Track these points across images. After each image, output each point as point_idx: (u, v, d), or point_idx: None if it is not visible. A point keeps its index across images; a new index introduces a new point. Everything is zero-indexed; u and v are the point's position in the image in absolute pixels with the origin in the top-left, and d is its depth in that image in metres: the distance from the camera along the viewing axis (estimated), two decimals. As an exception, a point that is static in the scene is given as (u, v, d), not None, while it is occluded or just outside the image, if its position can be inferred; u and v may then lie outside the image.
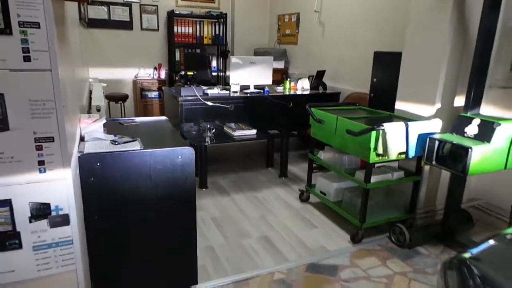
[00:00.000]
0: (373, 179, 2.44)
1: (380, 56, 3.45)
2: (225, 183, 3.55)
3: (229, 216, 2.86)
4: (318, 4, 4.86)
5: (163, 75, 5.74)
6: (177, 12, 5.49)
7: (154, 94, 5.63)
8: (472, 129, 2.16)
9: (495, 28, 2.19)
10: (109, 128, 1.93)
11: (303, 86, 4.45)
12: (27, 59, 1.03)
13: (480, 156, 2.02)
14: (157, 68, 5.70)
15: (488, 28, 2.16)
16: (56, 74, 1.08)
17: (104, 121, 1.93)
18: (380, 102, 3.34)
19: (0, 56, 1.00)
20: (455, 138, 2.16)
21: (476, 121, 2.16)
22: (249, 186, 3.47)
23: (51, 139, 1.13)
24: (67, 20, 1.84)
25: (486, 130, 2.09)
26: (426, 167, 2.62)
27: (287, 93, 4.26)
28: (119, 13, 5.34)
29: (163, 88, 4.92)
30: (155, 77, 5.68)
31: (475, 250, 1.03)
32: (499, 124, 2.04)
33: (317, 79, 4.50)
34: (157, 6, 5.56)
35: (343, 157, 2.77)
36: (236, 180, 3.63)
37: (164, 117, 2.39)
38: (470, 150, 1.98)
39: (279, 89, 4.38)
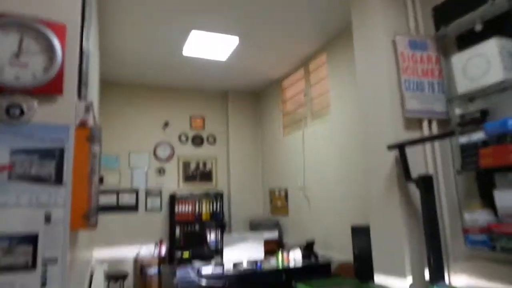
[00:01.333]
0: None
1: (356, 229, 3.80)
2: None
3: None
4: (302, 181, 5.53)
5: (163, 251, 5.99)
6: (179, 195, 6.16)
7: (154, 270, 5.75)
8: (440, 304, 2.31)
9: (435, 210, 2.60)
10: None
11: (295, 258, 4.65)
12: (43, 285, 1.36)
13: (452, 333, 2.12)
14: (159, 244, 6.01)
15: (429, 210, 2.57)
16: (63, 297, 1.38)
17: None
18: (364, 271, 3.50)
19: (25, 287, 1.33)
20: (427, 315, 2.28)
21: (443, 296, 2.33)
22: None
23: None
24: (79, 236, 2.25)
25: (453, 305, 2.24)
26: None
27: (280, 266, 4.43)
28: (127, 198, 6.00)
29: (161, 266, 5.11)
30: (155, 254, 5.93)
31: None
32: (462, 299, 2.21)
33: (308, 249, 4.74)
34: (161, 190, 6.27)
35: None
36: None
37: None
38: (439, 328, 2.10)
39: (273, 261, 4.57)
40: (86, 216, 1.42)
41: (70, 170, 1.40)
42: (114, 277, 5.19)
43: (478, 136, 2.34)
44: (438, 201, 2.73)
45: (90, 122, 1.61)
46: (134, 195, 6.07)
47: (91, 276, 4.08)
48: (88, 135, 1.49)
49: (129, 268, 5.80)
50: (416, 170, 2.76)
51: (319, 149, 5.25)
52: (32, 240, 1.36)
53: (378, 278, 3.03)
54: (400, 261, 2.80)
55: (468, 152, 2.32)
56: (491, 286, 2.46)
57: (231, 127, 6.93)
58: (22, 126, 1.36)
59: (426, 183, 2.58)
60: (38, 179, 1.35)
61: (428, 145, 2.84)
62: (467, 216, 2.44)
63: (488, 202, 2.39)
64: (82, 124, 1.50)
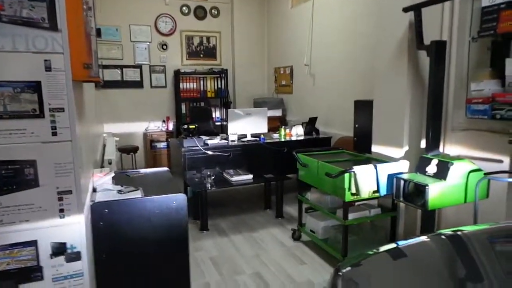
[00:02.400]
0: (351, 216, 2.72)
1: (359, 104, 3.83)
2: (225, 225, 3.83)
3: (226, 256, 3.13)
4: (308, 58, 5.38)
5: (171, 127, 6.23)
6: (183, 71, 6.08)
7: (162, 144, 6.09)
8: (431, 168, 2.46)
9: (443, 79, 2.56)
10: (117, 179, 2.30)
11: (297, 133, 4.83)
12: (54, 134, 1.42)
13: (438, 192, 2.30)
14: (166, 121, 6.21)
15: (436, 79, 2.53)
16: (75, 143, 1.46)
17: (113, 174, 2.30)
18: (363, 144, 3.67)
19: (36, 133, 1.40)
20: (417, 177, 2.45)
21: (435, 161, 2.46)
22: (247, 227, 3.75)
23: (69, 192, 1.49)
24: (85, 93, 2.28)
25: (443, 169, 2.38)
26: (402, 204, 2.88)
27: (282, 139, 4.63)
28: (131, 74, 5.96)
29: (169, 139, 5.37)
30: (163, 129, 6.18)
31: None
32: (452, 164, 2.34)
33: (310, 125, 4.88)
34: (164, 66, 6.18)
35: (327, 197, 3.06)
36: (235, 222, 3.91)
37: (165, 168, 2.76)
38: (427, 187, 2.27)
39: (275, 136, 4.76)
40: (87, 65, 1.40)
41: (63, 16, 1.33)
42: (126, 150, 5.50)
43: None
44: (447, 70, 2.66)
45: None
46: (138, 71, 6.02)
47: (104, 146, 4.32)
48: (78, -22, 1.37)
49: (139, 143, 6.11)
50: (430, 37, 2.62)
51: (328, 23, 4.96)
52: (35, 88, 1.37)
53: (375, 148, 3.17)
54: (399, 131, 2.89)
55: (489, 16, 2.16)
56: (482, 155, 2.58)
57: (235, -2, 6.46)
58: (4, -37, 1.24)
59: (438, 50, 2.48)
60: (31, 24, 1.29)
61: (446, 9, 2.64)
62: (473, 85, 2.41)
63: (497, 73, 2.33)
64: (70, -34, 1.36)
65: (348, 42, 4.59)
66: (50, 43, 1.34)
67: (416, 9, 2.57)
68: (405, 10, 2.63)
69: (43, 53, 1.34)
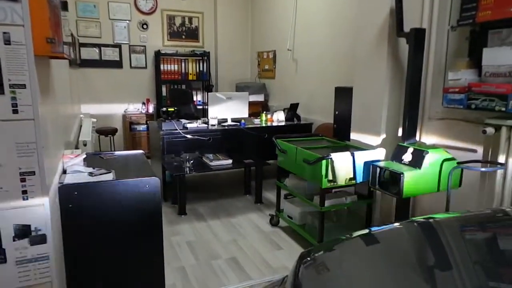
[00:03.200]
0: (328, 202, 2.73)
1: (339, 90, 3.82)
2: (203, 210, 3.81)
3: (203, 240, 3.11)
4: (291, 43, 5.32)
5: (151, 109, 6.10)
6: (164, 52, 5.93)
7: (142, 127, 5.97)
8: (407, 156, 2.48)
9: (421, 68, 2.57)
10: (90, 161, 2.23)
11: (278, 118, 4.80)
12: (15, 112, 1.35)
13: (412, 180, 2.33)
14: (146, 103, 6.08)
15: (414, 67, 2.53)
16: (38, 122, 1.39)
17: (84, 155, 2.23)
18: (342, 132, 3.67)
19: (-6, 110, 1.32)
20: (393, 165, 2.47)
21: (410, 150, 2.48)
22: (225, 212, 3.74)
23: (32, 173, 1.42)
24: (55, 70, 2.18)
25: (418, 158, 2.40)
26: (378, 191, 2.92)
27: (263, 125, 4.60)
28: (110, 54, 5.77)
29: (148, 122, 5.26)
30: (143, 111, 6.05)
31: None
32: (428, 152, 2.36)
33: (292, 111, 4.86)
34: (145, 46, 6.01)
35: (305, 184, 3.07)
36: (214, 207, 3.90)
37: (140, 151, 2.69)
38: (402, 175, 2.29)
39: (257, 121, 4.72)
40: (50, 40, 1.32)
41: (23, -16, 1.24)
42: (104, 132, 5.37)
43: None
44: (426, 59, 2.67)
45: None
46: (118, 51, 5.83)
47: (81, 127, 4.20)
48: None
49: (118, 125, 5.97)
50: (410, 24, 2.61)
51: (311, 7, 4.90)
52: (-6, 62, 1.29)
53: (354, 135, 3.18)
54: (377, 118, 2.90)
55: (468, 5, 2.16)
56: (457, 144, 2.61)
57: (219, -21, 6.29)
58: None
59: (418, 37, 2.48)
60: (-13, -8, 1.20)
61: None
62: (450, 75, 2.42)
63: (475, 63, 2.34)
64: None
65: (331, 28, 4.54)
66: (9, 14, 1.25)
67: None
68: (388, -5, 2.61)
69: (2, 25, 1.26)
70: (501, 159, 2.16)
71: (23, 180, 1.42)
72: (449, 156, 2.41)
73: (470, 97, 2.27)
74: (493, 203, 2.23)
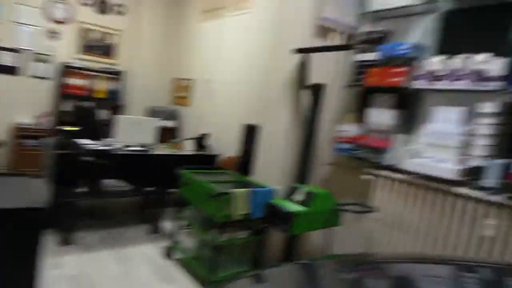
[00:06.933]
0: (224, 236, 2.75)
1: (247, 127, 3.99)
2: (93, 239, 3.52)
3: (87, 274, 2.86)
4: (210, 74, 5.44)
5: (49, 124, 5.57)
6: (73, 65, 5.56)
7: (35, 142, 5.38)
8: (299, 196, 2.65)
9: (318, 119, 2.83)
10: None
11: (186, 148, 4.76)
12: None
13: (302, 218, 2.48)
14: (43, 116, 5.54)
15: (312, 118, 2.79)
16: None
17: None
18: (246, 166, 3.79)
19: None
20: (285, 204, 2.61)
21: (302, 190, 2.66)
22: (117, 243, 3.50)
23: None
24: None
25: (308, 198, 2.59)
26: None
27: (170, 152, 4.51)
28: (6, 58, 5.21)
29: (42, 138, 4.79)
30: (39, 125, 5.48)
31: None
32: (317, 194, 2.56)
33: (201, 140, 4.88)
34: (52, 56, 5.56)
35: (203, 216, 3.06)
36: (105, 236, 3.63)
37: (25, 177, 2.42)
38: (292, 214, 2.43)
39: (164, 148, 4.61)
40: None
41: None
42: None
43: (372, 56, 2.49)
44: (324, 111, 2.95)
45: None
46: (17, 56, 5.28)
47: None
48: None
49: (4, 137, 5.31)
50: (315, 79, 2.89)
51: (234, 44, 5.11)
52: None
53: (256, 172, 3.31)
54: (278, 159, 3.08)
55: (360, 70, 2.48)
56: (342, 189, 2.89)
57: None
58: None
59: (318, 91, 2.74)
60: None
61: (332, 58, 2.94)
62: (340, 127, 2.70)
63: (361, 118, 2.67)
64: None
65: (249, 67, 4.77)
66: None
67: (303, 52, 2.80)
68: (298, 51, 2.85)
69: None
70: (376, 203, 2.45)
71: None
72: (333, 198, 2.64)
73: (355, 147, 2.56)
74: (367, 243, 2.49)
